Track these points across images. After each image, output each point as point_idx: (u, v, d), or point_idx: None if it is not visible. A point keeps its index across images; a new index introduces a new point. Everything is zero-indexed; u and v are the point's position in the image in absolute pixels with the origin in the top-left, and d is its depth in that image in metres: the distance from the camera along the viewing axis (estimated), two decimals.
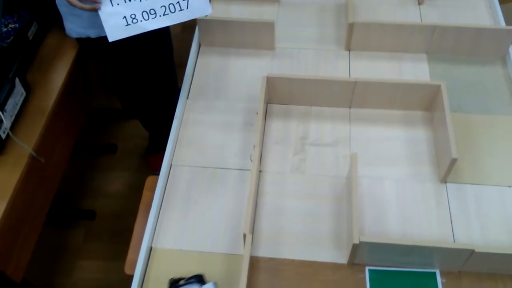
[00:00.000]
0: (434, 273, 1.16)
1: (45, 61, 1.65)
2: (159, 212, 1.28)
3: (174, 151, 1.40)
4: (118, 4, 1.31)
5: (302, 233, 1.23)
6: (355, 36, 1.59)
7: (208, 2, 1.39)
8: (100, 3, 1.29)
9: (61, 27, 1.61)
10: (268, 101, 1.50)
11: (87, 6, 1.31)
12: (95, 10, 1.30)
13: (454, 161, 1.23)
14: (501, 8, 1.73)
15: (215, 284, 1.08)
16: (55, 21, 1.70)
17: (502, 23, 1.67)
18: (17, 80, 1.46)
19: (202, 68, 1.61)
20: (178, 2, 1.36)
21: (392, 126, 1.44)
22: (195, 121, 1.47)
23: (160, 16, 1.36)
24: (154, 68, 1.79)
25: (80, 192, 2.26)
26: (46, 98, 1.55)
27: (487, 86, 1.53)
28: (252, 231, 1.23)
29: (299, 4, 1.79)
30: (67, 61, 1.66)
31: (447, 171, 1.26)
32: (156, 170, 1.39)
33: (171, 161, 1.38)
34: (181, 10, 1.37)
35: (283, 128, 1.45)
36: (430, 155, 1.37)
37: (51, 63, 1.65)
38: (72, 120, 1.79)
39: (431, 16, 1.73)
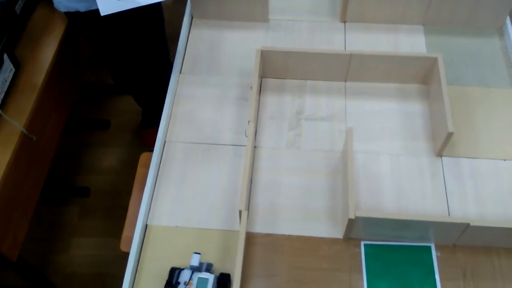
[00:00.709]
0: (429, 247, 1.17)
1: (34, 36, 1.61)
2: (154, 189, 1.27)
3: (168, 127, 1.38)
4: None
5: (298, 209, 1.23)
6: (350, 8, 1.56)
7: None
8: None
9: (49, 1, 1.57)
10: (263, 75, 1.47)
11: None
12: None
13: (450, 135, 1.22)
14: None
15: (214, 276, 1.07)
16: None
17: None
18: (5, 55, 1.42)
19: (194, 41, 1.57)
20: None
21: (388, 99, 1.42)
22: (188, 96, 1.45)
23: None
24: (146, 42, 1.76)
25: (73, 168, 2.24)
26: (36, 74, 1.52)
27: (484, 58, 1.52)
28: (248, 207, 1.22)
29: None
30: (56, 36, 1.62)
31: (443, 145, 1.26)
32: (150, 146, 1.37)
33: (165, 138, 1.36)
34: None
35: (278, 103, 1.43)
36: (426, 129, 1.36)
37: (40, 38, 1.61)
38: (63, 96, 1.76)
39: None
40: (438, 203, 1.23)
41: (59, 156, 2.20)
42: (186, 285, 1.04)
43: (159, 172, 1.30)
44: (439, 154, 1.30)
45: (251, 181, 1.27)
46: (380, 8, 1.55)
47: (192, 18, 1.63)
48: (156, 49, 1.83)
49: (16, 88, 1.48)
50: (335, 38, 1.57)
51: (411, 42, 1.55)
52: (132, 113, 2.35)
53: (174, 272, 1.06)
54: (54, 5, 1.56)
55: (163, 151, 1.34)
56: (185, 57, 1.54)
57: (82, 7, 1.51)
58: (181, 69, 1.51)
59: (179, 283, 1.04)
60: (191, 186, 1.27)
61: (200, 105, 1.43)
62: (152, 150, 1.33)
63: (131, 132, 2.34)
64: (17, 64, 1.50)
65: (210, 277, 1.05)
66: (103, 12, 1.29)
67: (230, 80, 1.47)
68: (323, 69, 1.43)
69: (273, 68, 1.44)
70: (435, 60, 1.36)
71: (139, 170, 1.56)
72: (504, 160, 1.30)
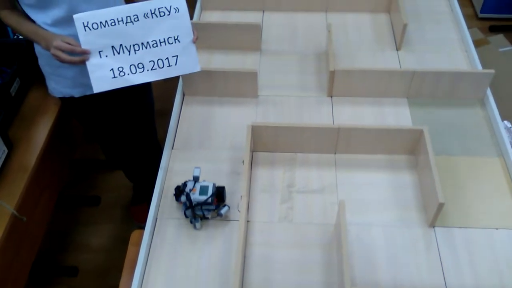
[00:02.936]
0: None
1: (28, 118, 1.64)
2: (145, 269, 1.25)
3: (160, 203, 1.38)
4: (106, 56, 1.32)
5: (293, 284, 1.20)
6: (337, 83, 1.61)
7: (197, 59, 1.40)
8: (89, 54, 1.30)
9: (44, 84, 1.61)
10: (254, 149, 1.50)
11: (76, 58, 1.31)
12: (84, 62, 1.30)
13: (441, 205, 1.23)
14: (476, 51, 1.78)
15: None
16: (38, 77, 1.70)
17: (478, 66, 1.72)
18: None
19: (186, 117, 1.61)
20: (167, 58, 1.37)
21: (377, 171, 1.44)
22: (180, 172, 1.46)
23: (148, 70, 1.36)
24: (136, 122, 1.79)
25: (62, 246, 2.20)
26: (28, 155, 1.53)
27: (468, 128, 1.56)
28: (242, 284, 1.20)
29: (280, 53, 1.82)
30: (49, 118, 1.65)
31: (435, 215, 1.26)
32: (140, 222, 1.36)
33: (157, 214, 1.36)
34: (169, 66, 1.38)
35: (269, 176, 1.44)
36: (416, 200, 1.37)
37: (34, 120, 1.64)
38: (55, 175, 1.76)
39: (409, 61, 1.77)
40: (434, 275, 1.22)
41: (49, 233, 2.16)
42: (191, 190, 1.30)
43: (150, 251, 1.28)
44: (432, 225, 1.30)
45: (244, 257, 1.25)
46: (364, 83, 1.61)
47: (183, 95, 1.68)
48: (146, 129, 1.87)
49: (8, 169, 1.49)
50: (323, 111, 1.62)
51: (396, 114, 1.60)
52: (124, 189, 2.34)
53: (181, 185, 1.33)
54: (49, 91, 1.60)
55: (154, 228, 1.33)
56: (177, 133, 1.56)
57: (76, 93, 1.55)
58: (173, 145, 1.53)
59: (185, 191, 1.30)
60: (184, 264, 1.25)
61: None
62: (143, 227, 1.32)
63: (122, 209, 2.32)
64: (10, 145, 1.51)
65: (210, 184, 1.32)
66: (96, 90, 1.32)
67: (221, 155, 1.49)
68: (312, 142, 1.46)
69: (264, 142, 1.47)
70: (421, 132, 1.40)
71: (130, 248, 1.53)
72: (496, 229, 1.30)
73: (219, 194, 1.34)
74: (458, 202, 1.36)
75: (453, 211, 1.34)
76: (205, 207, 1.30)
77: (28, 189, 1.48)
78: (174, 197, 1.36)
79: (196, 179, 1.33)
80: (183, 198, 1.30)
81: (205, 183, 1.32)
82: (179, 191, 1.32)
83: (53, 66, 1.48)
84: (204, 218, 1.32)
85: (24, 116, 1.65)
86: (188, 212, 1.31)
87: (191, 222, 1.32)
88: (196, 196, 1.29)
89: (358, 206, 1.36)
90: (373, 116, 1.59)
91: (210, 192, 1.30)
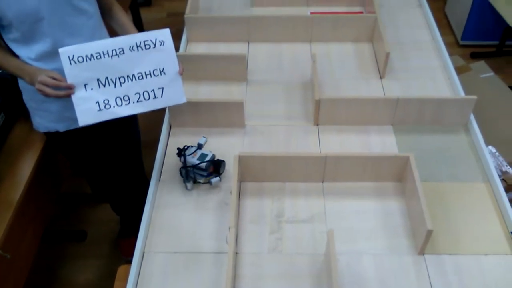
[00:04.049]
0: None
1: (12, 153, 1.63)
2: None
3: (147, 237, 1.36)
4: (92, 89, 1.31)
5: None
6: (323, 112, 1.63)
7: (183, 91, 1.41)
8: (74, 88, 1.30)
9: (29, 118, 1.60)
10: (241, 179, 1.49)
11: (61, 92, 1.31)
12: (69, 96, 1.30)
13: (429, 232, 1.23)
14: (459, 78, 1.82)
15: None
16: (23, 112, 1.69)
17: (461, 92, 1.75)
18: None
19: (173, 149, 1.60)
20: (153, 90, 1.37)
21: (365, 198, 1.44)
22: (167, 204, 1.44)
23: (133, 102, 1.36)
24: (123, 155, 1.79)
25: (48, 283, 2.15)
26: (12, 191, 1.51)
27: (454, 153, 1.57)
28: None
29: (266, 83, 1.84)
30: (34, 152, 1.63)
31: (424, 243, 1.26)
32: (127, 256, 1.34)
33: (144, 248, 1.34)
34: (155, 98, 1.38)
35: (258, 206, 1.43)
36: (405, 227, 1.36)
37: (18, 155, 1.62)
38: (41, 209, 1.74)
39: (393, 88, 1.80)
40: None
41: (34, 270, 2.11)
42: (191, 154, 1.47)
43: (137, 285, 1.26)
44: (421, 252, 1.30)
45: None
46: (350, 112, 1.62)
47: (170, 126, 1.68)
48: (133, 161, 1.86)
49: None
50: (309, 140, 1.62)
51: (382, 142, 1.61)
52: (111, 223, 2.31)
53: (183, 147, 1.50)
54: (34, 126, 1.59)
55: (141, 262, 1.30)
56: (163, 165, 1.55)
57: (61, 127, 1.54)
58: (160, 176, 1.52)
59: (186, 154, 1.47)
60: None
61: (180, 212, 1.42)
62: (130, 261, 1.30)
63: (109, 243, 2.28)
64: None
65: (210, 154, 1.47)
66: (81, 123, 1.31)
67: (209, 186, 1.48)
68: (300, 171, 1.46)
69: (252, 172, 1.47)
70: (407, 159, 1.40)
71: (117, 284, 1.50)
72: (485, 255, 1.30)
73: (216, 164, 1.46)
74: (446, 228, 1.36)
75: (442, 237, 1.34)
76: (198, 171, 1.44)
77: (12, 224, 1.45)
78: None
79: (199, 146, 1.51)
80: (182, 158, 1.47)
81: (206, 152, 1.47)
82: (180, 150, 1.49)
83: (38, 101, 1.48)
84: (195, 182, 1.45)
85: (9, 151, 1.63)
86: (183, 172, 1.44)
87: (183, 181, 1.45)
88: (193, 160, 1.44)
89: (347, 234, 1.35)
90: (360, 144, 1.60)
91: (207, 159, 1.44)
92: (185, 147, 1.50)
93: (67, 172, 2.02)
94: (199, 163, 1.44)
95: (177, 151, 1.51)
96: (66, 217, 2.39)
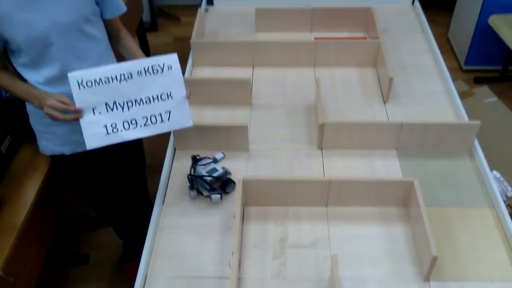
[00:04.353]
0: None
1: (17, 175, 1.63)
2: None
3: (149, 261, 1.35)
4: (100, 113, 1.33)
5: None
6: (326, 136, 1.63)
7: (189, 115, 1.42)
8: (82, 112, 1.31)
9: (34, 141, 1.61)
10: (245, 203, 1.49)
11: (70, 116, 1.32)
12: (77, 120, 1.32)
13: (435, 259, 1.21)
14: (462, 103, 1.82)
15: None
16: (29, 135, 1.70)
17: (465, 117, 1.75)
18: None
19: (177, 173, 1.61)
20: (160, 114, 1.39)
21: (369, 223, 1.43)
22: (171, 228, 1.44)
23: (140, 126, 1.37)
24: (128, 178, 1.79)
25: None
26: (16, 213, 1.51)
27: (458, 178, 1.57)
28: None
29: (271, 107, 1.85)
30: (39, 175, 1.64)
31: (429, 269, 1.25)
32: (130, 280, 1.33)
33: (146, 272, 1.33)
34: (162, 121, 1.39)
35: (261, 231, 1.43)
36: (410, 253, 1.35)
37: (23, 177, 1.63)
38: (44, 232, 1.73)
39: (397, 113, 1.81)
40: None
41: None
42: (204, 165, 1.50)
43: None
44: (426, 279, 1.28)
45: None
46: (353, 136, 1.63)
47: (175, 150, 1.69)
48: (137, 185, 1.86)
49: None
50: (313, 164, 1.62)
51: (386, 166, 1.61)
52: (114, 246, 2.30)
53: (197, 156, 1.56)
54: (40, 149, 1.60)
55: (144, 287, 1.29)
56: (168, 189, 1.56)
57: (67, 151, 1.55)
58: (163, 200, 1.52)
59: (197, 163, 1.52)
60: None
61: (183, 236, 1.42)
62: (132, 286, 1.29)
63: (112, 267, 2.26)
64: None
65: (220, 170, 1.48)
66: (89, 146, 1.33)
67: (212, 210, 1.48)
68: (304, 196, 1.46)
69: (255, 196, 1.47)
70: (411, 183, 1.40)
71: None
72: (491, 282, 1.28)
73: (224, 183, 1.47)
74: (452, 254, 1.35)
75: (448, 263, 1.32)
76: (202, 183, 1.45)
77: (15, 248, 1.45)
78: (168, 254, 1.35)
79: (214, 160, 1.53)
80: (193, 166, 1.53)
81: (218, 167, 1.48)
82: (194, 158, 1.55)
83: (44, 124, 1.49)
84: (199, 192, 1.48)
85: (14, 173, 1.64)
86: (189, 178, 1.48)
87: (189, 188, 1.48)
88: (201, 170, 1.47)
89: (351, 260, 1.34)
90: (363, 168, 1.60)
91: (215, 174, 1.46)
92: (199, 157, 1.53)
93: (72, 195, 2.03)
94: (204, 176, 1.46)
95: (192, 158, 1.56)
96: (69, 240, 2.38)
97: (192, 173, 1.49)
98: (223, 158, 1.53)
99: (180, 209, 1.49)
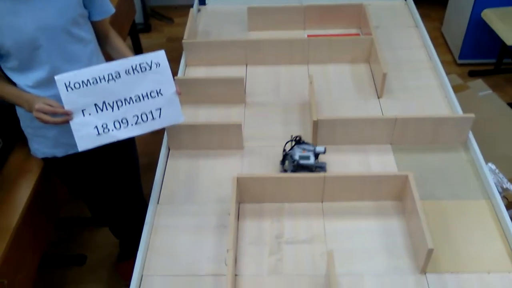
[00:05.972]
0: None
1: (10, 178, 1.63)
2: None
3: (145, 260, 1.35)
4: (90, 114, 1.32)
5: None
6: (321, 132, 1.63)
7: (180, 110, 1.41)
8: (71, 114, 1.30)
9: (26, 144, 1.60)
10: (240, 201, 1.48)
11: (59, 119, 1.31)
12: (67, 123, 1.31)
13: (430, 251, 1.21)
14: (456, 96, 1.82)
15: None
16: (20, 138, 1.69)
17: (459, 110, 1.75)
18: None
19: (171, 172, 1.60)
20: (151, 111, 1.38)
21: (365, 218, 1.43)
22: (166, 227, 1.43)
23: (132, 125, 1.36)
24: (121, 178, 1.78)
25: None
26: (9, 216, 1.50)
27: (453, 171, 1.57)
28: None
29: (264, 104, 1.85)
30: (31, 178, 1.63)
31: (425, 262, 1.24)
32: (127, 279, 1.32)
33: (142, 271, 1.32)
34: (153, 119, 1.38)
35: (257, 228, 1.42)
36: (406, 246, 1.35)
37: (16, 180, 1.62)
38: (39, 234, 1.72)
39: (391, 108, 1.80)
40: None
41: None
42: (302, 150, 1.53)
43: None
44: (423, 271, 1.28)
45: None
46: (348, 132, 1.62)
47: (169, 149, 1.68)
48: (131, 184, 1.86)
49: None
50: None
51: (381, 161, 1.61)
52: (110, 246, 2.29)
53: (300, 138, 1.59)
54: (31, 152, 1.59)
55: (140, 286, 1.29)
56: (162, 188, 1.55)
57: (59, 153, 1.55)
58: (158, 199, 1.52)
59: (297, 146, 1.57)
60: None
61: (179, 235, 1.41)
62: (129, 285, 1.28)
63: (108, 267, 2.26)
64: None
65: (312, 161, 1.50)
66: (81, 148, 1.32)
67: (208, 208, 1.48)
68: (299, 192, 1.45)
69: (250, 193, 1.46)
70: (406, 177, 1.40)
71: None
72: (488, 273, 1.28)
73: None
74: (448, 246, 1.34)
75: (444, 256, 1.32)
76: (291, 162, 1.51)
77: (9, 251, 1.44)
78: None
79: (315, 152, 1.52)
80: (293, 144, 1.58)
81: (312, 157, 1.51)
82: (297, 138, 1.58)
83: (35, 127, 1.48)
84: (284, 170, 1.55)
85: (6, 176, 1.63)
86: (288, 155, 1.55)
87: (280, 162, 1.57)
88: (296, 152, 1.52)
89: (347, 255, 1.33)
90: (358, 164, 1.60)
91: (303, 162, 1.50)
92: (303, 141, 1.57)
93: (66, 197, 2.02)
94: (296, 161, 1.50)
95: (295, 138, 1.58)
96: (65, 242, 2.38)
97: (287, 150, 1.55)
98: (322, 152, 1.52)
99: (175, 207, 1.49)
